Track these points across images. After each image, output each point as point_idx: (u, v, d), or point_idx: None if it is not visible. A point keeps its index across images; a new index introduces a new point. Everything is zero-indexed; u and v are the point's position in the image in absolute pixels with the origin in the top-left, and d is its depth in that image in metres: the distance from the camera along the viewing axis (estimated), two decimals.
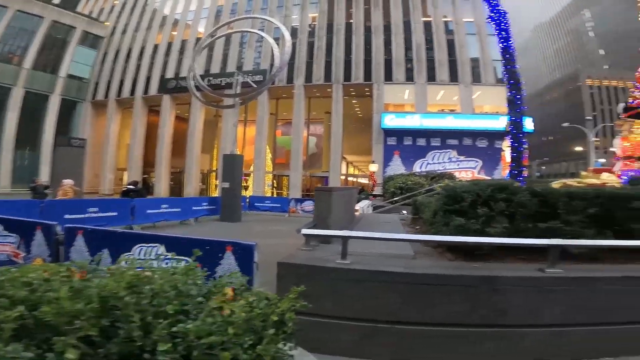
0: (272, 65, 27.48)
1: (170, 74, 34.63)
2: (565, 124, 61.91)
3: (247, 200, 19.84)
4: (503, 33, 7.29)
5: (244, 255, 3.58)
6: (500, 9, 7.48)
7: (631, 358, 3.24)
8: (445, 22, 31.15)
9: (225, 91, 23.66)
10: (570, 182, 9.83)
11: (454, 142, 27.23)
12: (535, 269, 3.50)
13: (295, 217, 16.37)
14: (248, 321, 1.33)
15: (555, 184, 9.83)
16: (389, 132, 28.20)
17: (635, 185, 4.75)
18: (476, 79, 29.01)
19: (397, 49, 30.61)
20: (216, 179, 32.82)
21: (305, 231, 4.29)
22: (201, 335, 1.19)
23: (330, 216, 5.06)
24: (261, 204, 20.05)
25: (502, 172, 15.73)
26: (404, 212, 11.50)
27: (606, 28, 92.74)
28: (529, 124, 26.28)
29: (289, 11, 33.43)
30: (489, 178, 18.68)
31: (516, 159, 6.43)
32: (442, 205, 4.21)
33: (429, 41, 30.51)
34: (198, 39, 33.48)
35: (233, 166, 15.51)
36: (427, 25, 31.10)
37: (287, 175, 32.66)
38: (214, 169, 35.78)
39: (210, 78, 29.87)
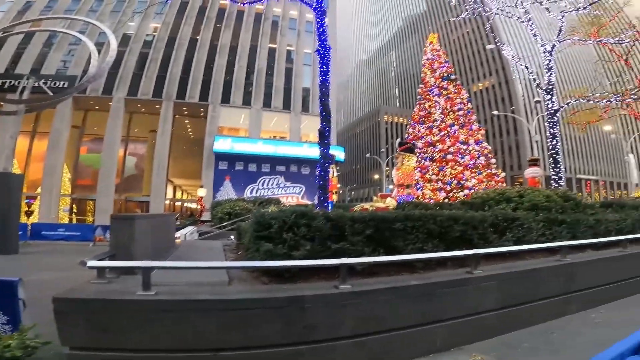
0: (84, 71, 23.11)
1: None
2: (368, 155, 76.37)
3: (29, 228, 16.42)
4: (324, 67, 7.91)
5: (2, 292, 3.22)
6: (326, 44, 8.07)
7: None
8: (289, 51, 33.27)
9: (8, 95, 18.67)
10: (367, 205, 12.04)
11: (282, 168, 29.23)
12: (332, 286, 3.92)
13: (103, 246, 13.73)
14: None
15: (357, 207, 11.87)
16: (220, 156, 27.78)
17: (399, 209, 6.17)
18: (305, 108, 31.76)
19: (239, 71, 30.83)
20: None
21: (92, 263, 3.86)
22: None
23: (134, 245, 4.63)
24: (52, 232, 16.84)
25: (330, 196, 17.84)
26: (232, 237, 11.37)
27: (403, 68, 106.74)
28: (340, 154, 31.17)
29: (126, 17, 29.31)
30: (311, 203, 20.83)
31: (323, 187, 7.36)
32: (252, 231, 4.33)
33: (270, 67, 31.85)
34: None
35: (8, 187, 12.02)
36: (272, 52, 32.49)
37: (93, 199, 27.27)
38: None
39: None
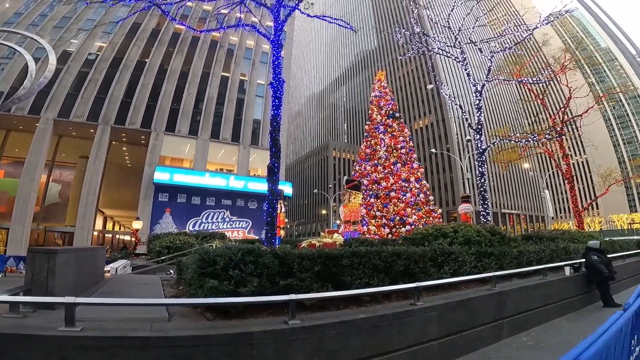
0: (13, 88, 21.08)
1: None
2: (316, 191, 76.97)
3: None
4: (277, 101, 7.89)
5: None
6: (280, 77, 8.01)
7: None
8: (242, 81, 32.62)
9: None
10: (314, 241, 12.10)
11: (229, 202, 28.33)
12: (282, 322, 3.89)
13: (15, 277, 12.04)
14: None
15: (305, 243, 11.86)
16: (161, 188, 26.28)
17: (346, 245, 6.38)
18: (255, 141, 31.09)
19: (188, 98, 29.50)
20: None
21: (3, 297, 3.69)
22: None
23: (54, 280, 4.37)
24: None
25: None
26: (171, 272, 10.80)
27: (353, 104, 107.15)
28: (288, 190, 31.20)
29: (70, 34, 27.34)
30: (258, 238, 20.31)
31: (270, 223, 7.32)
32: (197, 268, 4.21)
33: (221, 96, 30.86)
34: None
35: None
36: (224, 80, 31.60)
37: (7, 228, 24.00)
38: None
39: None
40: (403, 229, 13.34)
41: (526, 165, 63.44)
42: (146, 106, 28.13)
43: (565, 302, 7.49)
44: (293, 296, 3.95)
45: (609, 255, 9.25)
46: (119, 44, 29.50)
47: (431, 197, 15.21)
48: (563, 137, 16.85)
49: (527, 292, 6.53)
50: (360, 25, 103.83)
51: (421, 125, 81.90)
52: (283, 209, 15.02)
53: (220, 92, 31.32)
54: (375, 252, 5.08)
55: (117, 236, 42.23)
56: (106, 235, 40.56)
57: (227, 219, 27.80)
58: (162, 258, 13.48)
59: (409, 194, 14.36)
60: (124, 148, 31.46)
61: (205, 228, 26.34)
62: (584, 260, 8.46)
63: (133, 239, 22.71)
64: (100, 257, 8.00)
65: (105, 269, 9.45)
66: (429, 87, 34.72)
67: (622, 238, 15.44)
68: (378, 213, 14.19)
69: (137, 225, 21.31)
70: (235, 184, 28.22)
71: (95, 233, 35.45)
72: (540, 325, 6.47)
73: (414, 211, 14.05)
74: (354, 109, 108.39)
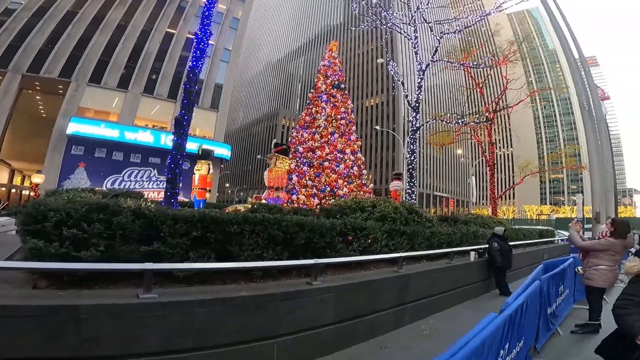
0: None
1: None
2: (259, 156, 75.12)
3: None
4: (198, 52, 7.15)
5: None
6: (208, 29, 7.36)
7: None
8: (189, 39, 29.70)
9: None
10: (240, 206, 11.31)
11: (157, 160, 26.00)
12: (135, 295, 3.20)
13: None
14: None
15: (230, 208, 11.01)
16: (76, 140, 23.20)
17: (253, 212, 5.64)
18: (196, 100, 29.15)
19: (122, 51, 26.68)
20: None
21: None
22: None
23: None
24: None
25: (190, 194, 16.43)
26: None
27: (309, 76, 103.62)
28: (224, 152, 29.60)
29: None
30: (188, 200, 18.91)
31: (171, 181, 6.39)
32: (21, 224, 3.32)
33: (162, 52, 28.46)
34: None
35: None
36: (169, 37, 29.11)
37: None
38: None
39: None
40: (332, 201, 13.05)
41: (459, 152, 67.79)
42: (69, 56, 24.74)
43: (466, 288, 7.52)
44: (149, 265, 3.21)
45: (512, 243, 9.63)
46: None
47: (365, 171, 15.07)
48: (492, 125, 17.64)
49: (432, 276, 6.36)
50: None
51: (372, 103, 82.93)
52: (211, 170, 13.86)
53: (162, 48, 28.76)
54: (273, 221, 4.44)
55: (24, 191, 37.29)
56: (12, 190, 35.66)
57: (154, 179, 25.62)
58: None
59: (342, 165, 14.01)
60: (37, 97, 27.46)
61: (127, 187, 23.98)
62: (487, 245, 8.56)
63: (34, 195, 19.87)
64: None
65: None
66: (379, 61, 34.48)
67: (527, 227, 16.84)
68: (310, 182, 13.70)
69: (37, 179, 18.54)
70: (167, 141, 25.85)
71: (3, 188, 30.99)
72: (441, 311, 6.40)
73: (345, 183, 13.79)
74: (311, 81, 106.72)
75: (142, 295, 3.18)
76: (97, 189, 18.51)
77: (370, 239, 5.80)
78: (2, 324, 2.66)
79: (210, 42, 27.20)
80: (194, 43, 7.44)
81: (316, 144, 14.63)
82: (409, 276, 5.79)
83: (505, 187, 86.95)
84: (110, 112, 26.38)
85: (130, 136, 24.65)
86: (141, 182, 24.95)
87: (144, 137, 25.19)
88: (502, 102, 19.60)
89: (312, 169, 14.09)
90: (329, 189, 13.59)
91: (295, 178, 13.70)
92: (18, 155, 31.55)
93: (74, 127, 22.80)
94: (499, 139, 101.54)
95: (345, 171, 14.10)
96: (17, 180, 39.47)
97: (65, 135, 22.82)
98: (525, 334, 3.59)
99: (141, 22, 28.36)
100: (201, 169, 11.50)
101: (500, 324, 2.42)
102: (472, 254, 8.18)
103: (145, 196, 16.19)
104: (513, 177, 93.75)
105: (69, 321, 2.82)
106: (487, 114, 17.56)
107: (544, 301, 4.70)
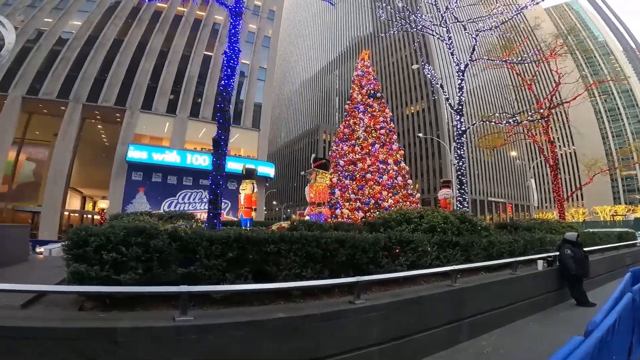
0: None
1: None
2: (303, 173, 76.20)
3: None
4: (229, 71, 7.20)
5: None
6: (237, 47, 7.40)
7: None
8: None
9: None
10: (284, 224, 11.30)
11: (207, 182, 27.17)
12: (171, 318, 3.15)
13: None
14: None
15: (275, 225, 11.04)
16: (135, 166, 25.10)
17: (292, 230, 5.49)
18: (237, 120, 29.89)
19: (166, 76, 28.50)
20: None
21: None
22: None
23: None
24: None
25: (237, 213, 16.83)
26: None
27: (346, 88, 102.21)
28: (269, 170, 30.29)
29: (43, 13, 26.12)
30: (237, 219, 19.50)
31: (213, 202, 6.46)
32: (65, 250, 3.42)
33: (203, 75, 29.85)
34: None
35: None
36: (207, 60, 30.56)
37: None
38: None
39: None
40: (377, 214, 12.59)
41: (513, 153, 63.31)
42: (122, 84, 26.83)
43: (534, 300, 6.75)
44: (184, 288, 3.16)
45: (588, 249, 8.58)
46: (95, 23, 27.94)
47: (410, 181, 14.44)
48: (548, 123, 16.12)
49: (492, 289, 5.75)
50: (356, 10, 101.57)
51: (412, 111, 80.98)
52: (256, 189, 14.13)
53: (202, 71, 30.21)
54: (311, 238, 4.25)
55: (96, 216, 41.04)
56: (85, 215, 39.43)
57: (205, 200, 26.79)
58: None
59: (385, 176, 13.54)
60: (99, 126, 30.18)
61: (181, 209, 25.34)
62: (558, 253, 7.69)
63: (100, 220, 21.69)
64: (19, 237, 7.20)
65: (39, 250, 8.67)
66: (414, 67, 33.60)
67: (603, 230, 14.95)
68: (353, 196, 13.40)
69: (102, 204, 20.25)
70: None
71: (72, 213, 34.33)
72: (504, 326, 5.73)
73: (390, 195, 13.28)
74: (348, 93, 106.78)
75: (178, 317, 3.14)
76: (154, 212, 19.71)
77: (418, 252, 5.36)
78: (40, 345, 2.71)
79: (246, 62, 28.25)
80: (223, 61, 7.51)
81: (357, 156, 14.36)
82: (464, 290, 5.28)
83: (570, 188, 79.36)
84: (163, 138, 28.22)
85: (181, 160, 26.12)
86: (194, 204, 26.25)
87: (194, 161, 26.58)
88: (556, 98, 17.92)
89: (354, 182, 13.80)
90: (373, 201, 13.18)
91: (337, 192, 13.48)
92: (86, 183, 34.75)
93: (133, 154, 24.65)
94: (559, 137, 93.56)
95: (389, 182, 13.62)
96: (88, 206, 43.58)
97: (125, 162, 24.72)
98: (616, 353, 3.00)
99: (180, 47, 30.07)
100: (246, 189, 11.70)
101: (588, 351, 1.96)
102: (540, 262, 7.42)
103: (198, 217, 16.84)
104: (579, 176, 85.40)
105: (106, 344, 2.82)
106: (541, 111, 16.09)
107: (637, 314, 3.99)
